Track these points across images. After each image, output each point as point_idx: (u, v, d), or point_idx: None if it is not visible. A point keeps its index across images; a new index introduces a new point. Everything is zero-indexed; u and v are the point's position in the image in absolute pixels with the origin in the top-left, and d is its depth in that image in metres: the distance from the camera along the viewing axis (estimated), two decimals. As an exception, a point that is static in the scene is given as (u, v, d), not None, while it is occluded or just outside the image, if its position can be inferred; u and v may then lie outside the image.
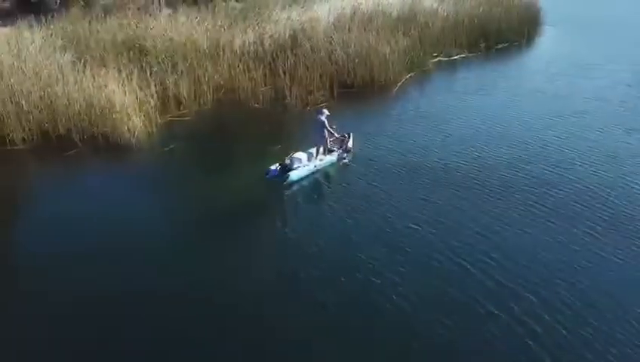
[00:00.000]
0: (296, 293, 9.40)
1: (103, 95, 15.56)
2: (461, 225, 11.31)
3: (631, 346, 8.11)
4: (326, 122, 13.85)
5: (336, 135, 14.23)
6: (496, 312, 8.76)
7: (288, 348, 8.26)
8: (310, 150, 13.89)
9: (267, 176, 13.11)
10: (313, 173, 13.66)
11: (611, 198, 12.29)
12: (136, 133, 15.40)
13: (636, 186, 12.90)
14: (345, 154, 14.42)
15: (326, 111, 14.06)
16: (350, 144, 14.60)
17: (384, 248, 10.48)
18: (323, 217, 11.85)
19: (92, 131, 15.42)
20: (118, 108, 15.42)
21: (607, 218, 11.51)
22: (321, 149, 14.05)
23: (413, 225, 11.23)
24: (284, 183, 12.98)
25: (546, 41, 28.48)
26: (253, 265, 10.21)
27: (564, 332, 8.37)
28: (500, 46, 26.13)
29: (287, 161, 13.19)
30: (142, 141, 15.47)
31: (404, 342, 8.27)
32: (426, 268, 9.97)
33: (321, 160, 13.92)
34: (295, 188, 13.14)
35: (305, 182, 13.41)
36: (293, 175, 13.08)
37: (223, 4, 24.66)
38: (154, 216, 11.93)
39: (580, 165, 14.03)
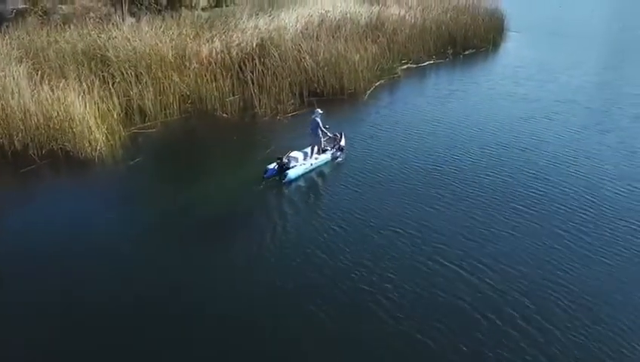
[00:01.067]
0: (291, 295, 9.33)
1: (62, 108, 14.87)
2: (442, 222, 11.49)
3: (621, 346, 8.14)
4: (320, 122, 14.13)
5: (329, 134, 14.58)
6: (485, 314, 8.75)
7: (283, 348, 8.21)
8: (305, 149, 14.25)
9: (265, 176, 13.28)
10: (309, 171, 13.94)
11: (593, 198, 12.48)
12: (98, 147, 14.74)
13: (615, 185, 13.10)
14: (338, 153, 14.78)
15: (320, 111, 14.34)
16: (343, 143, 14.96)
17: (376, 248, 10.57)
18: (318, 218, 11.82)
19: (51, 146, 14.69)
20: (78, 122, 14.74)
21: (588, 217, 11.66)
22: (316, 148, 14.34)
23: (403, 226, 11.31)
24: (283, 182, 13.19)
25: (512, 47, 29.00)
26: (242, 273, 9.98)
27: (551, 332, 8.36)
28: (467, 52, 26.47)
29: (285, 160, 13.52)
30: (105, 155, 14.81)
31: (394, 343, 8.25)
32: (417, 266, 10.08)
33: (316, 158, 14.26)
34: (290, 188, 13.23)
35: (301, 182, 13.57)
36: (291, 173, 13.38)
37: (189, 12, 24.17)
38: (122, 233, 11.31)
39: (557, 166, 14.22)
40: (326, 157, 14.52)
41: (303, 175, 13.72)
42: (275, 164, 13.44)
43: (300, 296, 9.30)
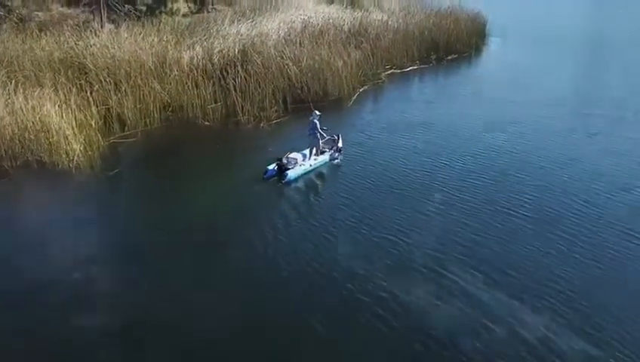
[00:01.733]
0: (290, 296, 9.40)
1: (38, 117, 14.40)
2: (436, 225, 11.59)
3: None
4: (318, 124, 14.40)
5: (326, 136, 14.79)
6: (481, 320, 8.69)
7: (281, 350, 8.23)
8: (304, 151, 14.59)
9: (265, 176, 13.57)
10: (308, 172, 14.20)
11: (582, 200, 12.51)
12: (75, 157, 14.26)
13: (607, 190, 13.07)
14: (337, 154, 15.03)
15: (318, 113, 14.59)
16: (340, 144, 15.21)
17: (375, 249, 10.64)
18: (318, 218, 11.94)
19: (25, 157, 14.19)
20: (54, 132, 14.29)
21: (579, 219, 11.70)
22: (314, 150, 14.63)
23: (399, 226, 11.42)
24: (282, 182, 13.43)
25: (494, 52, 29.17)
26: (241, 275, 10.01)
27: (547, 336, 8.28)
28: (450, 57, 26.49)
29: (284, 161, 13.82)
30: (83, 166, 14.32)
31: (392, 345, 8.27)
32: (413, 266, 10.15)
33: (315, 159, 14.55)
34: (290, 188, 13.41)
35: (300, 182, 13.80)
36: (291, 174, 13.66)
37: (169, 19, 23.81)
38: (105, 244, 10.99)
39: (546, 169, 14.26)
40: (324, 158, 14.77)
41: (302, 175, 13.96)
42: (274, 164, 13.72)
43: (298, 297, 9.32)
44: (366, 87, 21.42)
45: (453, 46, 26.96)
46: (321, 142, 14.65)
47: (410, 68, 24.44)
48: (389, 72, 23.44)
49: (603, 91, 21.84)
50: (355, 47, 22.56)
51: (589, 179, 13.61)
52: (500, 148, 15.65)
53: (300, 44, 21.27)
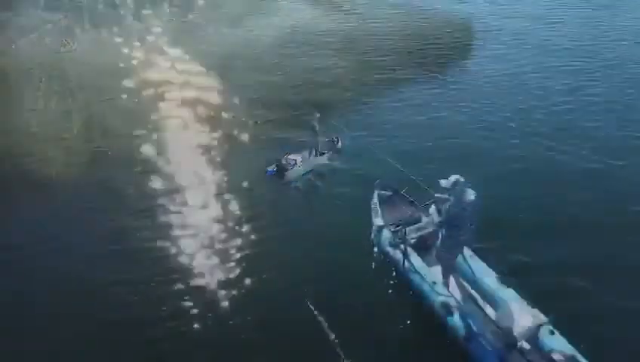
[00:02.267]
0: (289, 296, 9.49)
1: (15, 126, 13.89)
2: None
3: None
4: (317, 125, 14.60)
5: (325, 138, 15.12)
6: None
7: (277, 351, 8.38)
8: (303, 152, 14.88)
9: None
10: (307, 172, 14.51)
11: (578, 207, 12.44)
12: (57, 166, 13.76)
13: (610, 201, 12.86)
14: (335, 156, 15.30)
15: (317, 115, 14.87)
16: (339, 145, 15.48)
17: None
18: (318, 218, 12.16)
19: (4, 168, 13.61)
20: (35, 140, 13.80)
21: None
22: (314, 151, 14.89)
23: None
24: (282, 183, 13.77)
25: (483, 56, 29.04)
26: (240, 275, 10.12)
27: None
28: (439, 61, 26.34)
29: (284, 162, 14.16)
30: (66, 175, 13.76)
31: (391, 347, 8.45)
32: None
33: (314, 161, 14.86)
34: (289, 188, 13.76)
35: (300, 183, 14.11)
36: (290, 174, 14.00)
37: (153, 24, 23.42)
38: (94, 252, 10.77)
39: (542, 176, 14.19)
40: (323, 159, 14.98)
41: (301, 176, 14.24)
42: (274, 165, 14.01)
43: (298, 297, 9.37)
44: (356, 95, 21.17)
45: (442, 52, 26.88)
46: (320, 143, 14.83)
47: (401, 75, 24.23)
48: (378, 77, 23.24)
49: (594, 105, 21.66)
50: (345, 55, 22.43)
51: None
52: (493, 152, 15.61)
53: (290, 50, 21.10)
